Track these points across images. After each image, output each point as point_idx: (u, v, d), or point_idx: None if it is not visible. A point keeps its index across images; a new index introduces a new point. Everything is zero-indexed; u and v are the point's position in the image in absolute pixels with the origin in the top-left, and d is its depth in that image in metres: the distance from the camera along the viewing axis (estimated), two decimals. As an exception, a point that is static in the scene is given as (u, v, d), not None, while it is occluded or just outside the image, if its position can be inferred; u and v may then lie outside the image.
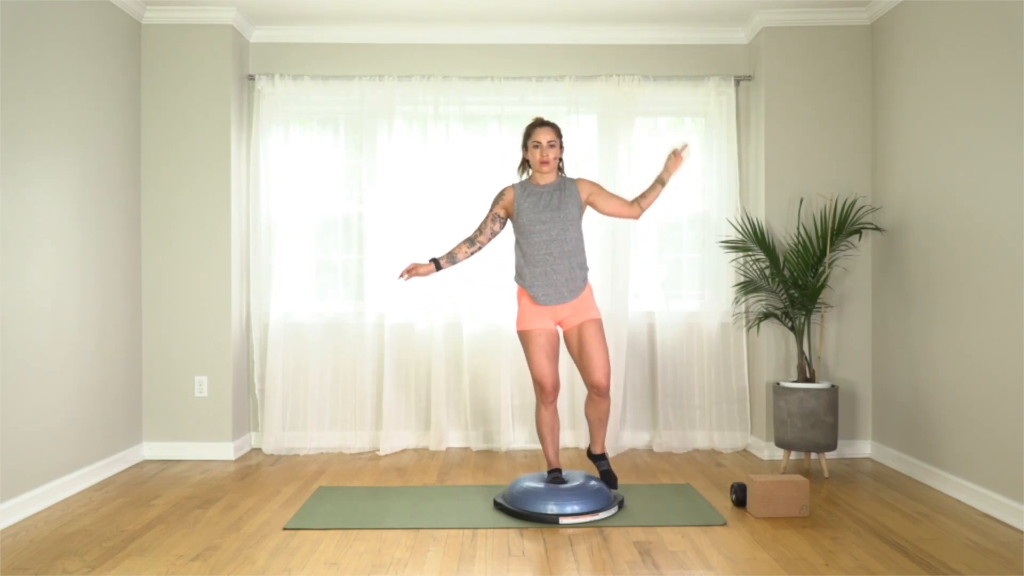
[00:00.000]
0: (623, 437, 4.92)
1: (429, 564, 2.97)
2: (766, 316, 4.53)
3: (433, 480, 4.22)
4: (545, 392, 3.68)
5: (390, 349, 4.90)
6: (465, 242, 3.77)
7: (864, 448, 4.73)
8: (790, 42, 4.75)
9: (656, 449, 4.91)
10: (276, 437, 4.84)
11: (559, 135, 3.72)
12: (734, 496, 3.69)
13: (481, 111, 5.03)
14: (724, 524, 3.42)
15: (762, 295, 4.68)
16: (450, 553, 3.09)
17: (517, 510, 3.52)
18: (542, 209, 3.65)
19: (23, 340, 3.58)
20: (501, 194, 3.76)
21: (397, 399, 4.93)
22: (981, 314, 3.67)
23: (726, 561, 3.00)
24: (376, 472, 4.40)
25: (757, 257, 4.66)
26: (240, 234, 4.86)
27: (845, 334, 4.73)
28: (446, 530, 3.37)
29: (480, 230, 3.77)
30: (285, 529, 3.38)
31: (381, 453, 4.81)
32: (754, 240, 4.57)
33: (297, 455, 4.81)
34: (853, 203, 4.53)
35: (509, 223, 3.85)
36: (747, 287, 4.61)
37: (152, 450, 4.70)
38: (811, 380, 4.35)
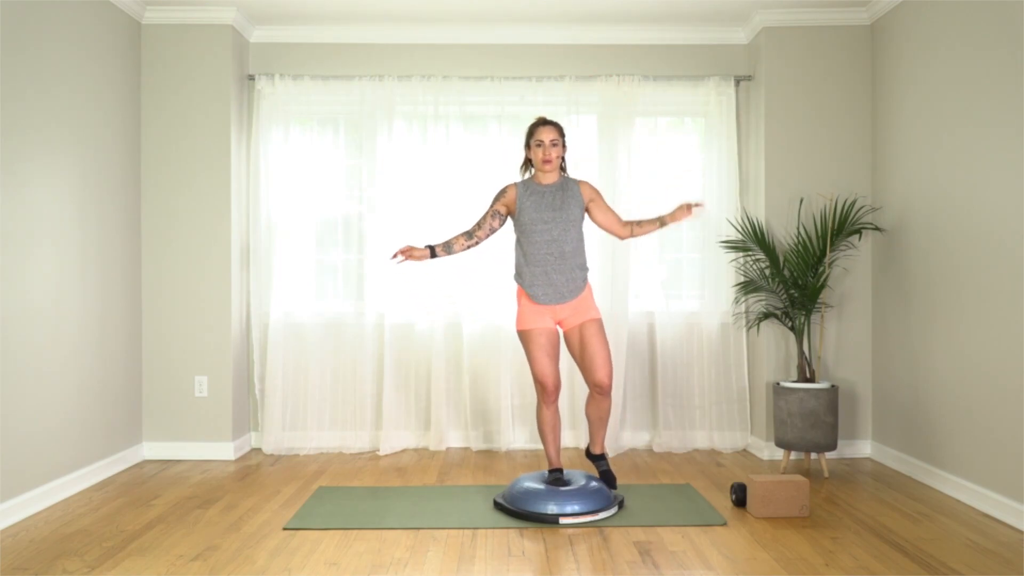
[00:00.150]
0: (623, 437, 4.92)
1: (429, 564, 2.97)
2: (766, 316, 4.53)
3: (433, 480, 4.22)
4: (547, 391, 3.68)
5: (390, 349, 4.90)
6: (463, 235, 3.77)
7: (864, 448, 4.73)
8: (790, 42, 4.75)
9: (656, 449, 4.91)
10: (276, 437, 4.84)
11: (562, 134, 3.72)
12: (734, 496, 3.69)
13: (481, 111, 5.03)
14: (724, 524, 3.42)
15: (762, 295, 4.68)
16: (450, 553, 3.09)
17: (517, 510, 3.52)
18: (544, 209, 3.65)
19: (23, 340, 3.58)
20: (503, 191, 3.76)
21: (397, 399, 4.93)
22: (981, 314, 3.67)
23: (726, 561, 3.00)
24: (376, 472, 4.40)
25: (757, 257, 4.66)
26: (240, 234, 4.86)
27: (845, 334, 4.74)
28: (446, 530, 3.37)
29: (479, 225, 3.77)
30: (285, 529, 3.38)
31: (381, 453, 4.82)
32: (754, 240, 4.57)
33: (297, 455, 4.81)
34: (853, 203, 4.53)
35: (508, 222, 3.86)
36: (747, 287, 4.61)
37: (152, 450, 4.70)
38: (811, 380, 4.35)
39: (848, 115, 4.74)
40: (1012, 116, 3.45)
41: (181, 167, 4.71)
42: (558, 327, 3.76)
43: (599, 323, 3.70)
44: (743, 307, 4.85)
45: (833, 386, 4.28)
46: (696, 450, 4.92)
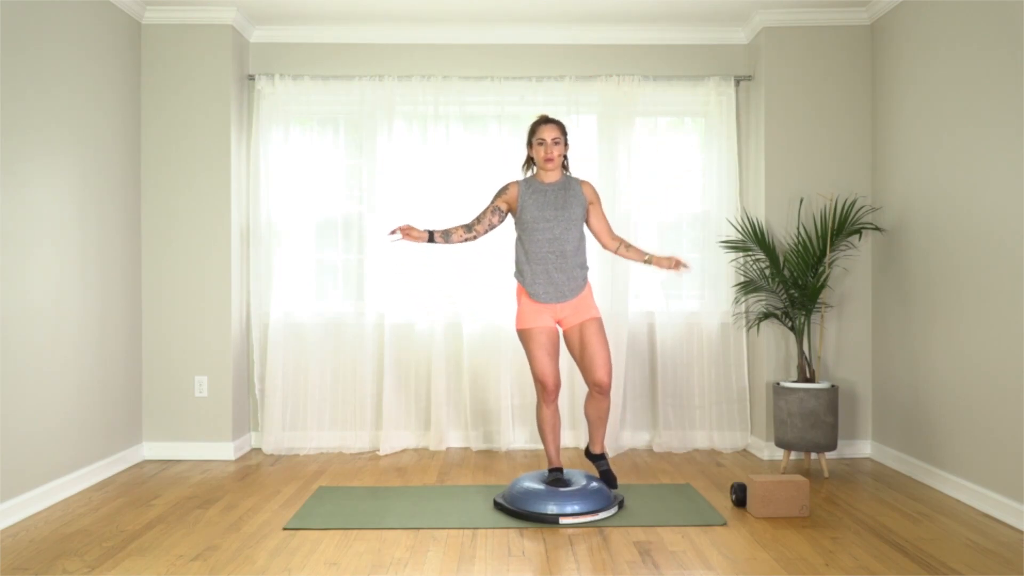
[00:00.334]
0: (623, 437, 4.92)
1: (429, 564, 2.97)
2: (766, 316, 4.53)
3: (433, 480, 4.22)
4: (547, 390, 3.68)
5: (390, 349, 4.90)
6: (462, 227, 3.76)
7: (864, 448, 4.73)
8: (790, 42, 4.75)
9: (656, 449, 4.91)
10: (276, 437, 4.84)
11: (564, 133, 3.72)
12: (734, 496, 3.69)
13: (481, 111, 5.03)
14: (724, 524, 3.42)
15: (762, 295, 4.68)
16: (450, 553, 3.09)
17: (517, 510, 3.52)
18: (547, 207, 3.65)
19: (23, 340, 3.58)
20: (505, 188, 3.76)
21: (397, 399, 4.93)
22: (981, 314, 3.67)
23: (726, 561, 3.00)
24: (376, 472, 4.40)
25: (757, 257, 4.66)
26: (240, 234, 4.86)
27: (845, 334, 4.73)
28: (446, 530, 3.37)
29: (478, 219, 3.76)
30: (285, 529, 3.38)
31: (381, 453, 4.82)
32: (754, 240, 4.57)
33: (297, 455, 4.81)
34: (853, 203, 4.53)
35: (506, 222, 3.86)
36: (747, 287, 4.61)
37: (152, 450, 4.70)
38: (811, 380, 4.35)
39: (848, 115, 4.74)
40: (1012, 116, 3.45)
41: (181, 167, 4.71)
42: (558, 326, 3.76)
43: (599, 322, 3.70)
44: (743, 307, 4.85)
45: (833, 386, 4.28)
46: (696, 450, 4.92)
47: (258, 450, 4.96)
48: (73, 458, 3.97)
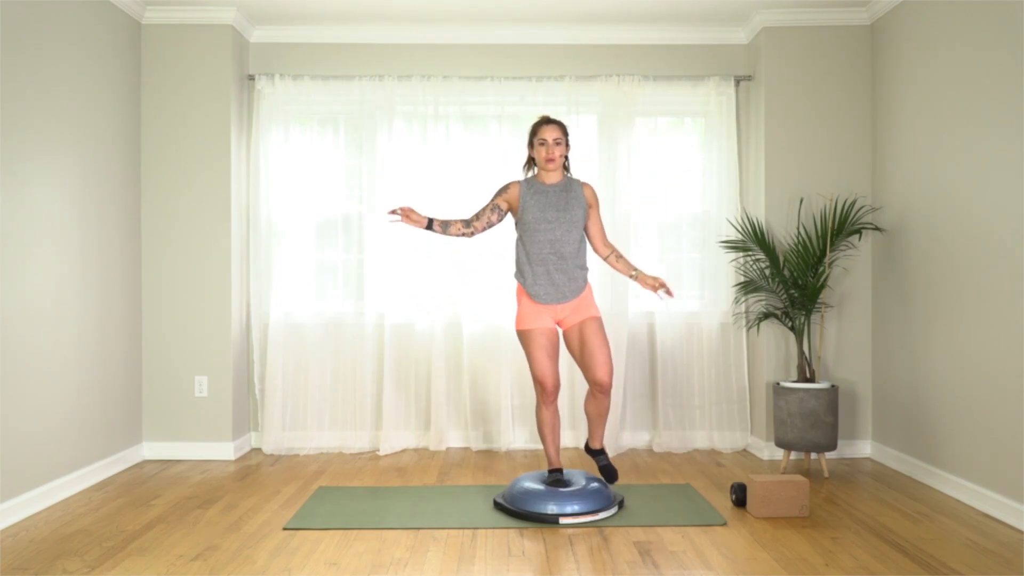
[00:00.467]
0: (623, 437, 4.92)
1: (429, 564, 2.97)
2: (766, 316, 4.53)
3: (433, 480, 4.22)
4: (546, 391, 3.68)
5: (390, 349, 4.90)
6: (461, 221, 3.74)
7: (864, 448, 4.73)
8: (790, 42, 4.75)
9: (656, 449, 4.91)
10: (276, 437, 4.84)
11: (565, 133, 3.71)
12: (734, 496, 3.69)
13: (481, 111, 5.03)
14: (724, 524, 3.42)
15: (762, 295, 4.68)
16: (450, 553, 3.09)
17: (517, 510, 3.52)
18: (548, 208, 3.65)
19: (23, 340, 3.58)
20: (506, 187, 3.75)
21: (397, 399, 4.93)
22: (981, 314, 3.67)
23: (726, 561, 3.00)
24: (376, 472, 4.40)
25: (757, 257, 4.66)
26: (240, 234, 4.86)
27: (845, 334, 4.74)
28: (446, 530, 3.37)
29: (477, 216, 3.75)
30: (285, 529, 3.38)
31: (381, 453, 4.82)
32: (754, 240, 4.57)
33: (297, 455, 4.81)
34: (853, 203, 4.53)
35: (504, 221, 3.85)
36: (747, 287, 4.61)
37: (152, 450, 4.70)
38: (811, 380, 4.35)
39: (848, 115, 4.74)
40: (1012, 116, 3.45)
41: (181, 167, 4.71)
42: (558, 327, 3.76)
43: (599, 321, 3.70)
44: (743, 307, 4.85)
45: (833, 386, 4.28)
46: (696, 450, 4.92)
47: (258, 450, 4.96)
48: (73, 458, 3.97)
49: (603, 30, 4.97)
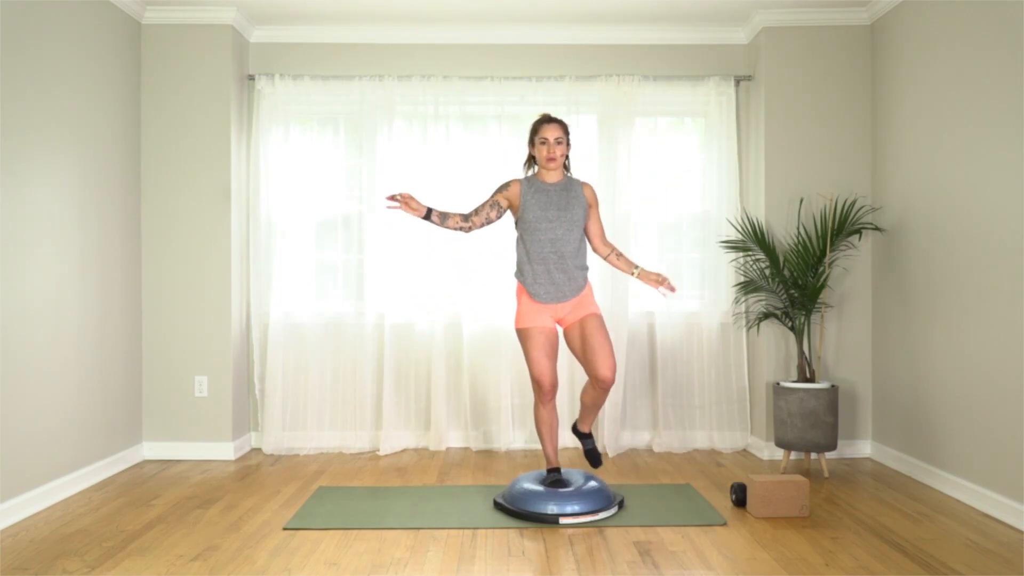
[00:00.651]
0: (623, 437, 4.92)
1: (429, 564, 2.97)
2: (766, 316, 4.53)
3: (433, 480, 4.22)
4: (543, 391, 3.67)
5: (390, 349, 4.90)
6: (460, 215, 3.71)
7: (864, 448, 4.73)
8: (790, 42, 4.75)
9: (656, 449, 4.91)
10: (276, 437, 4.84)
11: (566, 132, 3.70)
12: (734, 496, 3.69)
13: (481, 111, 5.03)
14: (724, 524, 3.42)
15: (762, 295, 4.68)
16: (450, 553, 3.09)
17: (517, 510, 3.52)
18: (549, 208, 3.65)
19: (23, 340, 3.58)
20: (506, 185, 3.74)
21: (397, 399, 4.93)
22: (981, 314, 3.67)
23: (726, 561, 3.00)
24: (376, 472, 4.40)
25: (757, 257, 4.66)
26: (240, 234, 4.86)
27: (845, 334, 4.74)
28: (446, 530, 3.37)
29: (476, 211, 3.72)
30: (285, 529, 3.38)
31: (381, 453, 4.82)
32: (754, 240, 4.57)
33: (297, 455, 4.81)
34: (853, 203, 4.53)
35: (503, 220, 3.85)
36: (747, 287, 4.61)
37: (152, 450, 4.70)
38: (811, 380, 4.35)
39: (848, 115, 4.74)
40: (1012, 116, 3.45)
41: (181, 167, 4.71)
42: (557, 326, 3.75)
43: (600, 318, 3.68)
44: (743, 307, 4.85)
45: (833, 386, 4.28)
46: (696, 450, 4.92)
47: (258, 450, 4.96)
48: (73, 458, 3.97)
49: (603, 30, 4.97)
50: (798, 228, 4.66)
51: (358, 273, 5.02)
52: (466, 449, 4.97)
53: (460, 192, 4.87)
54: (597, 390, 3.69)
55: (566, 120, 4.76)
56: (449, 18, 4.81)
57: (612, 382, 3.64)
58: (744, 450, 4.93)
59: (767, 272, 4.57)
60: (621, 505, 3.65)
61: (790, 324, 4.47)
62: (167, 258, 4.71)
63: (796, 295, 4.41)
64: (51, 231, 3.80)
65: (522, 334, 3.70)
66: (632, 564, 2.96)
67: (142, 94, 4.71)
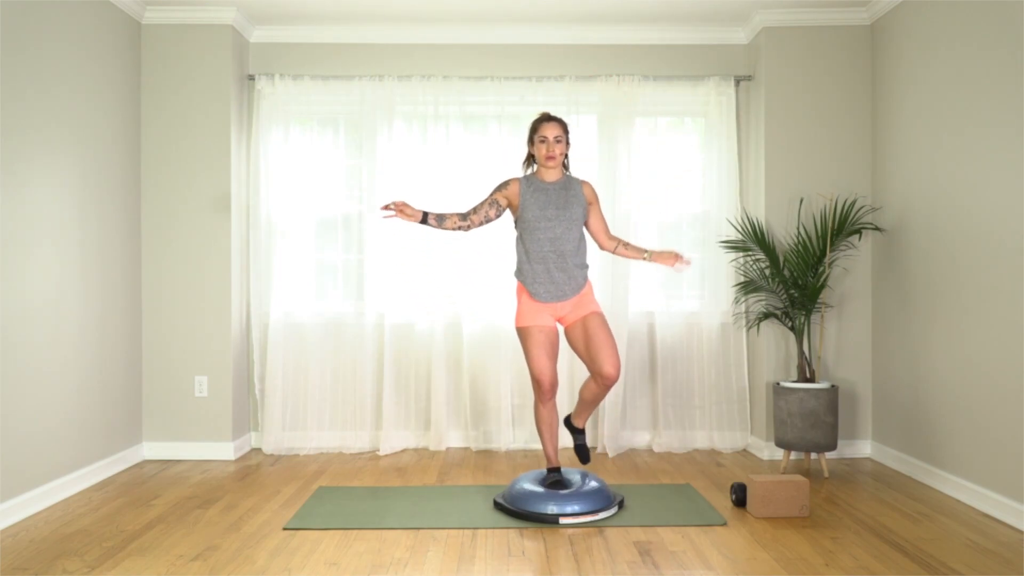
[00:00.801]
0: (623, 437, 4.92)
1: (429, 564, 2.97)
2: (766, 316, 4.53)
3: (433, 480, 4.22)
4: (543, 390, 3.67)
5: (390, 349, 4.90)
6: (458, 215, 3.71)
7: (864, 448, 4.73)
8: (790, 42, 4.75)
9: (656, 449, 4.91)
10: (276, 437, 4.84)
11: (566, 131, 3.70)
12: (734, 496, 3.69)
13: (481, 111, 5.03)
14: (724, 524, 3.42)
15: (762, 295, 4.68)
16: (450, 553, 3.09)
17: (517, 510, 3.52)
18: (548, 207, 3.64)
19: (23, 340, 3.58)
20: (505, 183, 3.73)
21: (397, 399, 4.93)
22: (981, 314, 3.67)
23: (726, 561, 3.00)
24: (376, 472, 4.40)
25: (757, 257, 4.66)
26: (240, 234, 4.86)
27: (845, 334, 4.74)
28: (446, 530, 3.37)
29: (475, 210, 3.72)
30: (285, 529, 3.38)
31: (381, 453, 4.82)
32: (754, 240, 4.57)
33: (297, 455, 4.81)
34: (853, 203, 4.53)
35: (502, 219, 3.85)
36: (747, 287, 4.61)
37: (152, 450, 4.70)
38: (811, 380, 4.35)
39: (848, 115, 4.74)
40: (1012, 116, 3.45)
41: (181, 167, 4.71)
42: (558, 325, 3.75)
43: (602, 316, 3.67)
44: (743, 307, 4.85)
45: (833, 386, 4.28)
46: (696, 450, 4.92)
47: (258, 450, 4.96)
48: (73, 458, 3.97)
49: (603, 30, 4.97)
50: (798, 228, 4.66)
51: (358, 273, 5.02)
52: (466, 449, 4.97)
53: (460, 192, 4.87)
54: (599, 387, 3.67)
55: (566, 120, 4.77)
56: (449, 18, 4.81)
57: (616, 379, 3.63)
58: (744, 450, 4.93)
59: (767, 272, 4.57)
60: (621, 505, 3.65)
61: (790, 324, 4.47)
62: (167, 258, 4.71)
63: (796, 295, 4.41)
64: (51, 231, 3.79)
65: (522, 333, 3.70)
66: (632, 564, 2.96)
67: (142, 94, 4.71)
